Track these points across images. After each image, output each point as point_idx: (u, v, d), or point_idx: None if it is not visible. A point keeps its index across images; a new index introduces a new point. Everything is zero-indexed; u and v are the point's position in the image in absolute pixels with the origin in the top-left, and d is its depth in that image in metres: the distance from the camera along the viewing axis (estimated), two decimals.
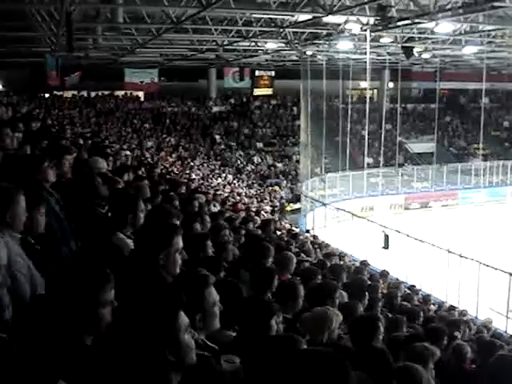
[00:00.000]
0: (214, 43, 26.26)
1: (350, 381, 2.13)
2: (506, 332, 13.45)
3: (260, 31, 23.05)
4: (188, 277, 3.42)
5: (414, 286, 14.51)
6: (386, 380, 3.47)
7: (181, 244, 3.66)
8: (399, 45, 25.51)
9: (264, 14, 20.29)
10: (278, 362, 2.40)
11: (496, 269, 15.30)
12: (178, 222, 4.55)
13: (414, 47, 25.84)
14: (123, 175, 7.44)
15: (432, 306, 13.38)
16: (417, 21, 19.86)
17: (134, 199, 4.74)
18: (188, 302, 3.00)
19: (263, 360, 2.70)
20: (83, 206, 4.95)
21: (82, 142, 11.61)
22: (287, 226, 21.39)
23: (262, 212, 21.93)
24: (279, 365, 2.32)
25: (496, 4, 16.35)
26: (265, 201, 29.93)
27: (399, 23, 19.98)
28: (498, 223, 26.59)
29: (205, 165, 33.40)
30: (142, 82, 37.55)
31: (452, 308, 13.60)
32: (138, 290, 2.90)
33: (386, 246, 22.09)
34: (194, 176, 28.20)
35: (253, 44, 26.61)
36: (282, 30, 22.71)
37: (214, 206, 12.04)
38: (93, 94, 37.66)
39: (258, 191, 32.17)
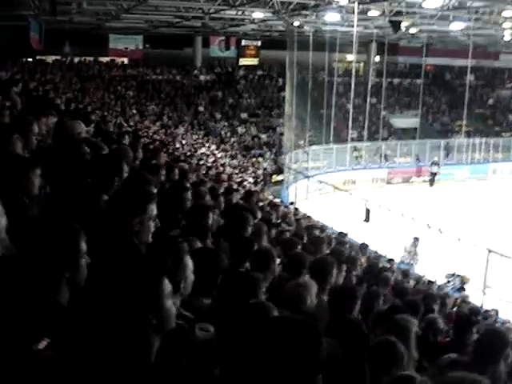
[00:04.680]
0: (201, 11, 25.95)
1: (322, 348, 2.16)
2: (481, 307, 13.65)
3: (247, 0, 22.80)
4: (168, 244, 3.43)
5: (392, 260, 14.63)
6: (359, 351, 3.50)
7: (155, 211, 3.65)
8: (387, 18, 25.41)
9: None
10: (251, 329, 2.42)
11: (475, 244, 15.47)
12: (154, 190, 4.52)
13: (401, 21, 25.77)
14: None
15: (410, 280, 13.52)
16: None
17: (119, 162, 4.70)
18: (171, 269, 3.02)
19: (236, 328, 2.72)
20: (66, 173, 4.89)
21: (63, 107, 11.45)
22: (270, 197, 21.42)
23: (245, 183, 21.92)
24: (252, 332, 2.34)
25: None
26: (248, 172, 29.90)
27: None
28: (478, 200, 26.83)
29: (188, 134, 33.21)
30: (126, 49, 37.08)
31: (430, 282, 13.75)
32: (116, 254, 2.90)
33: (367, 220, 22.26)
34: (177, 145, 28.05)
35: (239, 13, 26.37)
36: None
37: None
38: (76, 59, 37.09)
39: (242, 162, 32.11)
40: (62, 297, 2.55)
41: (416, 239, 18.49)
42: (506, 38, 32.82)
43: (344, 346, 3.16)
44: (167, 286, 2.33)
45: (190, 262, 3.27)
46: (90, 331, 2.18)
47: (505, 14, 23.81)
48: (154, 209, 3.64)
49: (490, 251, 14.73)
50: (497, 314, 12.58)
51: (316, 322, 2.27)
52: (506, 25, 27.27)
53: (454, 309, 11.17)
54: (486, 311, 12.22)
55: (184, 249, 3.34)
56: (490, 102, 47.46)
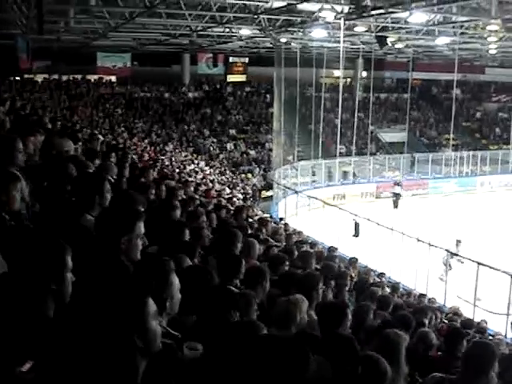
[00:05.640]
0: (188, 28, 26.06)
1: (310, 366, 2.14)
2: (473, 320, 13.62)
3: (234, 17, 22.92)
4: (153, 262, 3.39)
5: (383, 274, 14.62)
6: (351, 367, 3.47)
7: (142, 230, 3.61)
8: (373, 34, 25.59)
9: None
10: (239, 348, 2.40)
11: (464, 257, 15.48)
12: (142, 209, 4.48)
13: (387, 37, 25.95)
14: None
15: (401, 294, 13.50)
16: (391, 10, 19.95)
17: (100, 180, 4.65)
18: (157, 288, 2.99)
19: (224, 346, 2.69)
20: (51, 191, 4.86)
21: (50, 125, 11.39)
22: (259, 213, 21.37)
23: (234, 199, 21.87)
24: (240, 351, 2.32)
25: None
26: (237, 188, 29.88)
27: (373, 12, 20.05)
28: (466, 213, 26.93)
29: (177, 151, 33.18)
30: (114, 67, 37.07)
31: (421, 296, 13.73)
32: (103, 273, 2.88)
33: (357, 234, 22.25)
34: (166, 162, 27.98)
35: (227, 30, 26.47)
36: (256, 16, 22.61)
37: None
38: (64, 77, 37.05)
39: (231, 178, 32.09)
40: (48, 310, 2.54)
41: (458, 241, 17.99)
42: (492, 51, 33.14)
43: (335, 364, 3.14)
44: (152, 307, 2.31)
45: (176, 281, 3.24)
46: (74, 354, 2.15)
47: (490, 27, 24.01)
48: (141, 226, 3.61)
49: (479, 264, 14.73)
50: (486, 324, 12.60)
51: (308, 341, 2.25)
52: (491, 39, 27.51)
53: (446, 322, 11.15)
54: (478, 323, 12.22)
55: (170, 267, 3.30)
56: (477, 115, 47.84)
